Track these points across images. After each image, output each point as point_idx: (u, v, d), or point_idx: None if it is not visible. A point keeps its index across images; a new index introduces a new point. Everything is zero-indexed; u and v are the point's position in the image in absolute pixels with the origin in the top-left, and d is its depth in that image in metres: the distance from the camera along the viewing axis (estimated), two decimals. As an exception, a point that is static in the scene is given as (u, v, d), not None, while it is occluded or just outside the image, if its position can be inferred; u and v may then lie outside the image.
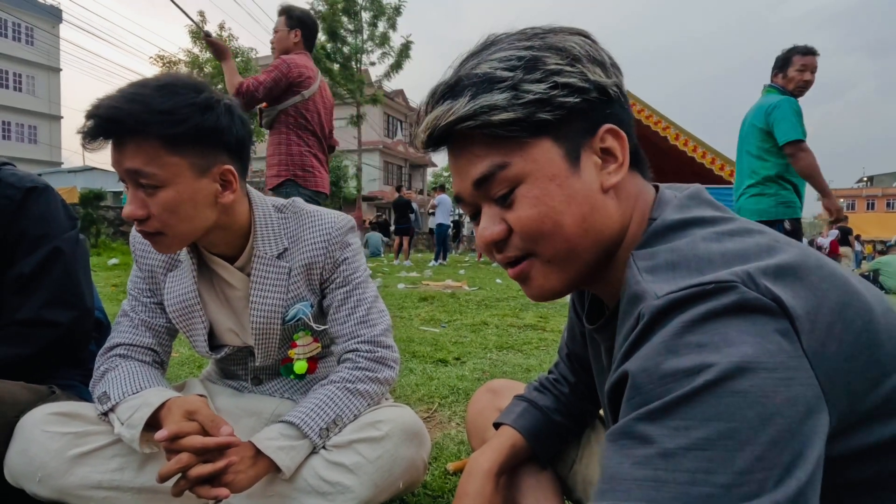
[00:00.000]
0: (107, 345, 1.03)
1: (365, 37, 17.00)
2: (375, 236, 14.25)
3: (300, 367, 1.08)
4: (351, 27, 16.85)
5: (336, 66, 16.84)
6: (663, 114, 9.31)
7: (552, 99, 0.52)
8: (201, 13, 17.64)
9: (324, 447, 0.94)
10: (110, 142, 0.84)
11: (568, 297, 0.72)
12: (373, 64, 17.44)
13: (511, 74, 0.53)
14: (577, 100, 0.53)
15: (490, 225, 0.57)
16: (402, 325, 3.45)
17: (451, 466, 1.31)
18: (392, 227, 12.92)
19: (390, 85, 18.52)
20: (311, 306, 1.06)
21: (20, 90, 30.68)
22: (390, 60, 17.11)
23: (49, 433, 0.88)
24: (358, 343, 1.02)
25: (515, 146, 0.54)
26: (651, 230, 0.54)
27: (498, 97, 0.52)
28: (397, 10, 16.81)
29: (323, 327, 1.07)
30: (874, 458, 0.45)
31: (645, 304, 0.45)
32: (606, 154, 0.57)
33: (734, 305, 0.41)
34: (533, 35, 0.56)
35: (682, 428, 0.38)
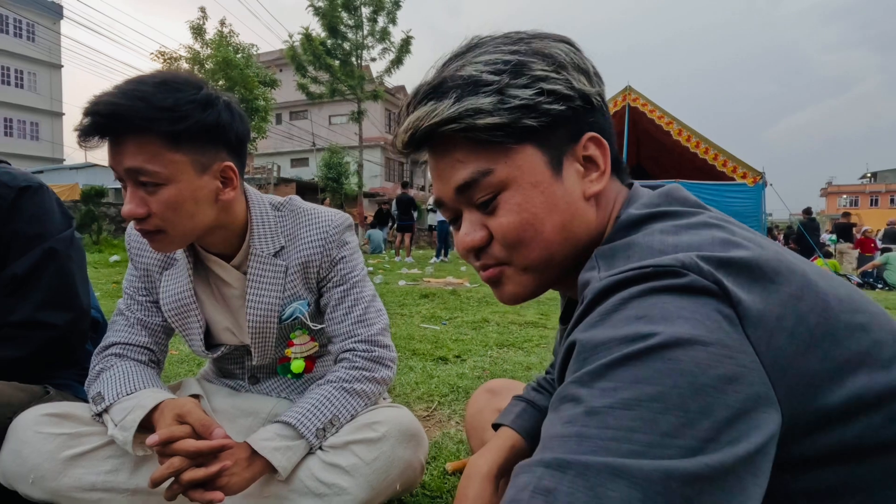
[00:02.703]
0: (102, 344, 1.02)
1: (365, 32, 16.92)
2: (377, 233, 14.25)
3: (297, 366, 1.07)
4: (351, 23, 16.77)
5: (336, 62, 16.77)
6: (665, 109, 9.24)
7: (538, 105, 0.52)
8: (202, 9, 17.56)
9: (320, 448, 0.93)
10: (107, 140, 0.82)
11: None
12: (373, 60, 17.36)
13: (497, 78, 0.52)
14: (562, 107, 0.53)
15: (471, 231, 0.57)
16: (402, 322, 3.44)
17: (449, 466, 1.30)
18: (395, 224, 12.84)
19: (391, 81, 18.42)
20: (308, 305, 1.04)
21: (22, 87, 30.61)
22: (391, 56, 17.05)
23: (42, 434, 0.87)
24: (355, 342, 1.01)
25: (499, 152, 0.54)
26: (616, 226, 0.54)
27: (483, 100, 0.52)
28: (396, 4, 16.71)
29: (320, 326, 1.06)
30: (841, 462, 0.43)
31: (589, 287, 0.47)
32: (588, 162, 0.57)
33: (675, 285, 0.41)
34: (518, 39, 0.56)
35: (611, 389, 0.39)
